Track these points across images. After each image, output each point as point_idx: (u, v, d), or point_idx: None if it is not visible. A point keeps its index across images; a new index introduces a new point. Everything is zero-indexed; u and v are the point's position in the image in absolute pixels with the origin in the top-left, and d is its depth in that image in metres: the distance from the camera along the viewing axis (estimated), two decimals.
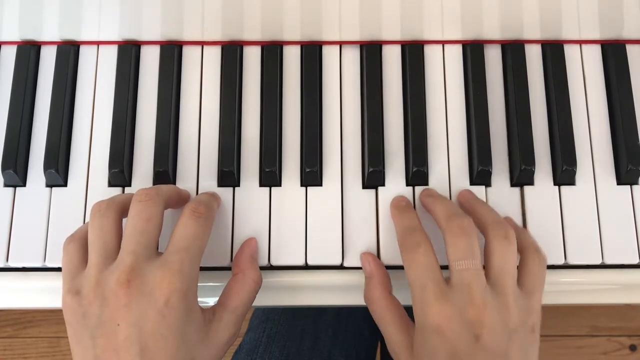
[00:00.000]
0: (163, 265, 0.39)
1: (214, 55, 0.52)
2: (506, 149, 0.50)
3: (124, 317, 0.38)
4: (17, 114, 0.50)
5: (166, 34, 0.51)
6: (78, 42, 0.52)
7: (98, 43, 0.52)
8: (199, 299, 0.41)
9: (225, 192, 0.49)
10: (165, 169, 0.48)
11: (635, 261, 0.48)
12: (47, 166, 0.48)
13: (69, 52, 0.51)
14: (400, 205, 0.47)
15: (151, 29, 0.51)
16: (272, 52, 0.51)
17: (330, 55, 0.52)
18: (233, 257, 0.47)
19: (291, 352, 0.64)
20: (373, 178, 0.48)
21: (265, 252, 0.47)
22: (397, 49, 0.52)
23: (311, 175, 0.48)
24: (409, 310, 0.45)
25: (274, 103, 0.50)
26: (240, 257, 0.46)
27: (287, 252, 0.47)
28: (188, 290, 0.40)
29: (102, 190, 0.49)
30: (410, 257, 0.43)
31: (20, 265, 0.48)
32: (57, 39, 0.52)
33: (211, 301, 0.47)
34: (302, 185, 0.49)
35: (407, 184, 0.49)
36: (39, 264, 0.48)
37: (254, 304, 0.45)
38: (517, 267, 0.43)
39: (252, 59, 0.52)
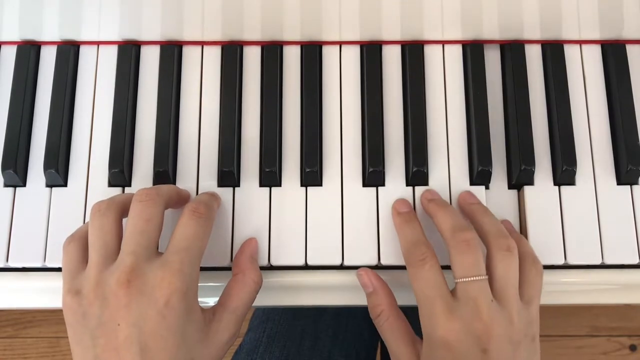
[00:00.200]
0: (163, 266, 0.39)
1: (214, 55, 0.52)
2: (506, 149, 0.50)
3: (124, 317, 0.38)
4: (17, 114, 0.50)
5: (166, 34, 0.51)
6: (78, 42, 0.52)
7: (98, 43, 0.52)
8: (199, 299, 0.41)
9: (225, 192, 0.49)
10: (165, 169, 0.48)
11: (635, 261, 0.48)
12: (47, 166, 0.48)
13: (69, 52, 0.51)
14: (402, 213, 0.47)
15: (151, 29, 0.51)
16: (272, 52, 0.51)
17: (330, 55, 0.52)
18: (233, 257, 0.47)
19: (291, 352, 0.64)
20: (373, 178, 0.48)
21: (265, 252, 0.47)
22: (397, 49, 0.52)
23: (311, 175, 0.48)
24: (409, 310, 0.46)
25: (274, 103, 0.50)
26: (240, 257, 0.46)
27: (287, 252, 0.47)
28: (188, 291, 0.40)
29: (102, 190, 0.49)
30: (416, 273, 0.43)
31: (20, 265, 0.48)
32: (57, 39, 0.52)
33: (211, 301, 0.47)
34: (302, 185, 0.49)
35: (407, 184, 0.49)
36: (39, 264, 0.48)
37: (254, 304, 0.45)
38: None
39: (252, 59, 0.52)
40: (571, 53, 0.52)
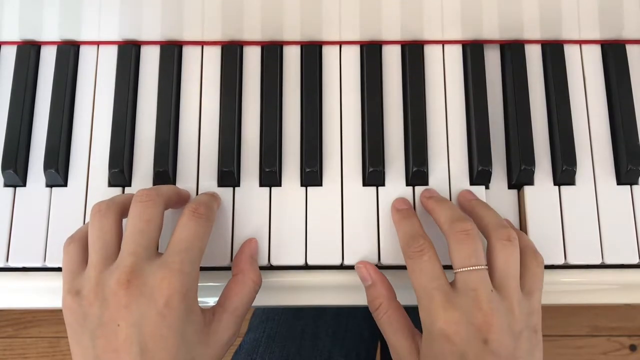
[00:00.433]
0: (163, 266, 0.39)
1: (214, 55, 0.52)
2: (506, 149, 0.50)
3: (124, 317, 0.38)
4: (17, 114, 0.50)
5: (166, 34, 0.51)
6: (78, 42, 0.52)
7: (98, 43, 0.52)
8: (199, 299, 0.41)
9: (225, 192, 0.49)
10: (165, 169, 0.48)
11: (635, 261, 0.48)
12: (47, 166, 0.48)
13: (69, 52, 0.51)
14: (401, 210, 0.47)
15: (151, 29, 0.51)
16: (272, 52, 0.51)
17: (330, 55, 0.52)
18: (233, 258, 0.47)
19: (291, 352, 0.64)
20: (373, 178, 0.48)
21: (265, 252, 0.47)
22: (397, 49, 0.52)
23: (311, 175, 0.48)
24: (409, 310, 0.46)
25: (274, 103, 0.50)
26: (240, 257, 0.46)
27: (287, 252, 0.47)
28: (188, 291, 0.40)
29: (102, 190, 0.49)
30: (414, 265, 0.43)
31: (20, 265, 0.48)
32: (57, 39, 0.52)
33: (211, 301, 0.47)
34: (302, 185, 0.49)
35: (407, 184, 0.49)
36: (39, 264, 0.48)
37: (254, 304, 0.45)
38: None
39: (252, 59, 0.52)
40: (571, 53, 0.52)
